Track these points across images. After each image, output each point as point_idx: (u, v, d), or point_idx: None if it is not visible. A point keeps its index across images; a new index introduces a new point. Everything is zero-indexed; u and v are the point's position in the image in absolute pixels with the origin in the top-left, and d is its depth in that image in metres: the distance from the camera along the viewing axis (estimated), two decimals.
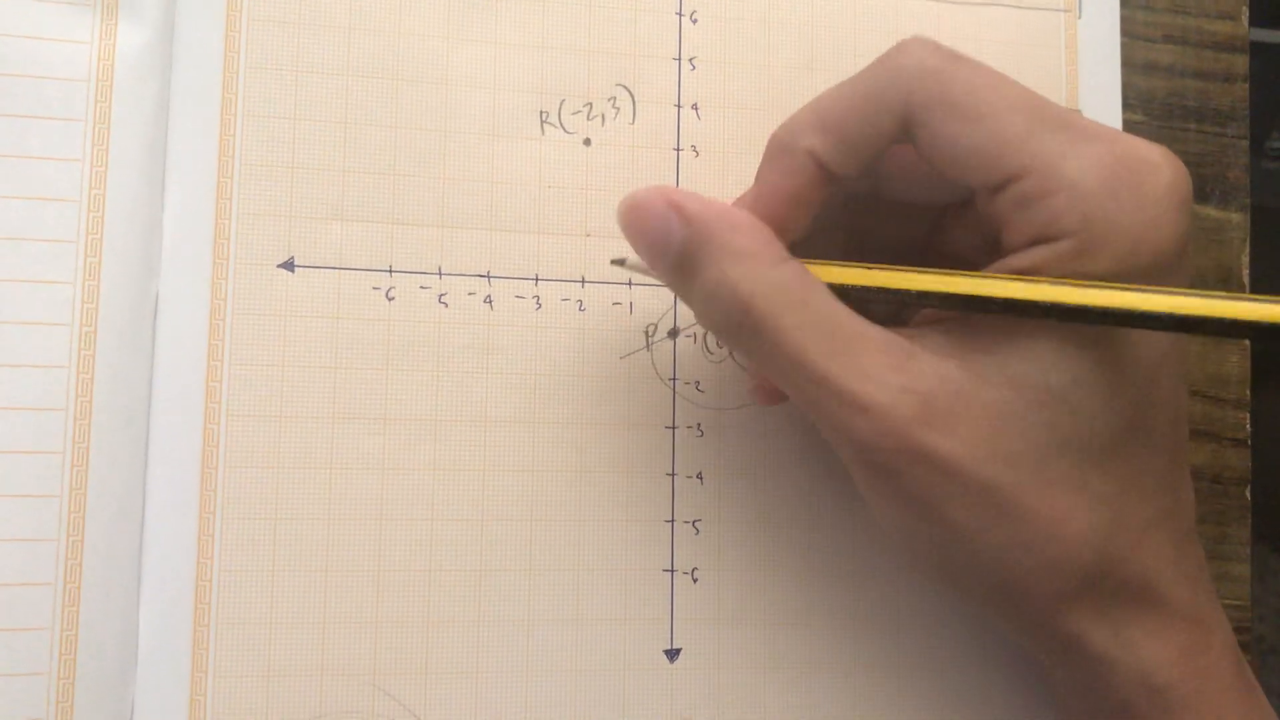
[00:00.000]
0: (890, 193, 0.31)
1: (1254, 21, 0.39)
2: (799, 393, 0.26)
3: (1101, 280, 0.24)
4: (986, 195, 0.26)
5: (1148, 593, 0.27)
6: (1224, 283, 0.37)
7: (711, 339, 0.33)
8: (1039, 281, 0.24)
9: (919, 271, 0.26)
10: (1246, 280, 0.37)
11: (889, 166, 0.30)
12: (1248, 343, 0.37)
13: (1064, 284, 0.24)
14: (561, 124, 0.33)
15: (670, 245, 0.27)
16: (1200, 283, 0.37)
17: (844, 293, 0.27)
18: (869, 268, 0.27)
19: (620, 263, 0.30)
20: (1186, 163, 0.37)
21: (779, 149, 0.28)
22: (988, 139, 0.25)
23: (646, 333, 0.33)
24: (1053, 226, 0.25)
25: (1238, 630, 0.35)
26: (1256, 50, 0.41)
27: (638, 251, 0.28)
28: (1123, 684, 0.27)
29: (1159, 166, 0.25)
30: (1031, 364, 0.25)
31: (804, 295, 0.26)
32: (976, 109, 0.25)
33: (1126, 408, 0.26)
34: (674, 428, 0.33)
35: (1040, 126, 0.25)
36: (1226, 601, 0.36)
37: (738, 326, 0.26)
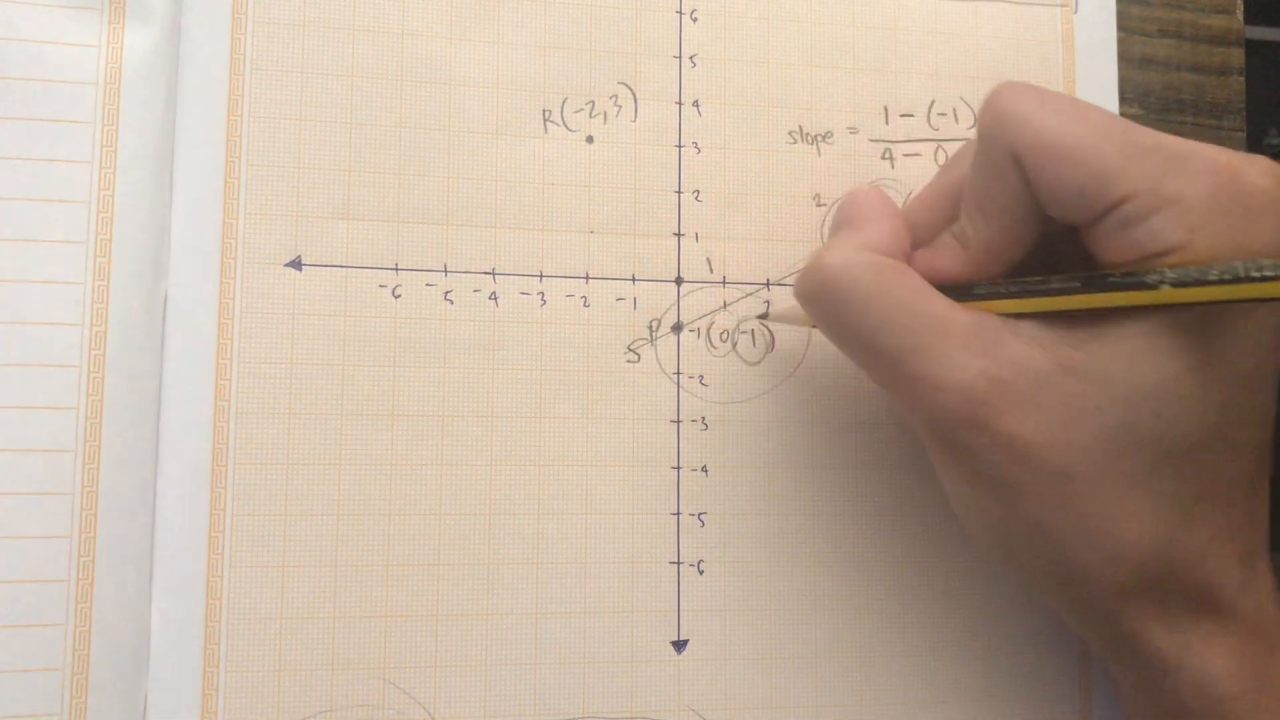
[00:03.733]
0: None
1: (1251, 19, 0.40)
2: (876, 369, 0.28)
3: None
4: (1088, 227, 0.26)
5: (1211, 602, 0.26)
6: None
7: (715, 333, 0.33)
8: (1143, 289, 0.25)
9: (1028, 293, 0.27)
10: None
11: None
12: None
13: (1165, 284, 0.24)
14: (564, 122, 0.33)
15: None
16: None
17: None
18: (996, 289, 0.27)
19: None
20: None
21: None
22: (1086, 177, 0.25)
23: (650, 327, 0.33)
24: (1157, 242, 0.25)
25: None
26: (1254, 48, 0.42)
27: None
28: (1181, 690, 0.27)
29: (1261, 178, 0.25)
30: (1120, 361, 0.25)
31: (893, 280, 0.27)
32: (1070, 150, 0.25)
33: (1212, 415, 0.25)
34: (679, 421, 0.33)
35: (1134, 152, 0.25)
36: None
37: (816, 297, 0.28)
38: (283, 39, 0.32)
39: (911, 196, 0.30)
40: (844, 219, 0.30)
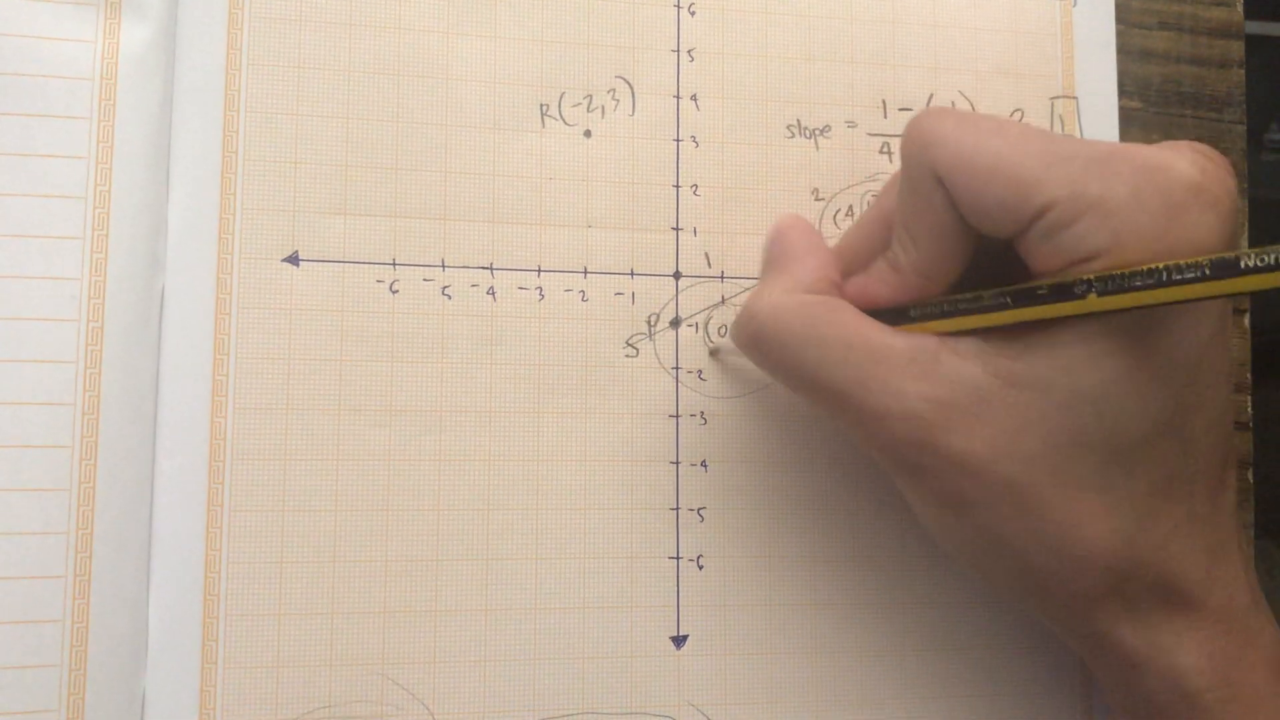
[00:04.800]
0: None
1: (1252, 14, 0.39)
2: (822, 406, 0.28)
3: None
4: (1018, 239, 0.26)
5: (1178, 596, 0.26)
6: None
7: (713, 328, 0.33)
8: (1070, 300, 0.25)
9: (961, 309, 0.27)
10: None
11: None
12: (1248, 326, 0.38)
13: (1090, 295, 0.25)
14: (562, 116, 0.33)
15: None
16: None
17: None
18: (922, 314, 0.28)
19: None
20: None
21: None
22: (1006, 189, 0.25)
23: (649, 322, 0.33)
24: (1082, 247, 0.25)
25: None
26: (1255, 43, 0.42)
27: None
28: (1154, 686, 0.27)
29: (1183, 170, 0.25)
30: (1059, 368, 0.25)
31: (823, 318, 0.27)
32: (989, 164, 0.25)
33: (1157, 410, 0.25)
34: (677, 416, 0.33)
35: (1055, 161, 0.25)
36: None
37: (752, 345, 0.29)
38: (279, 34, 0.32)
39: (846, 229, 0.31)
40: (770, 258, 0.30)
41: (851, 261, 0.30)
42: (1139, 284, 0.24)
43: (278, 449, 0.31)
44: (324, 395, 0.31)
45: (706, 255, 0.34)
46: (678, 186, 0.34)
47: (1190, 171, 0.25)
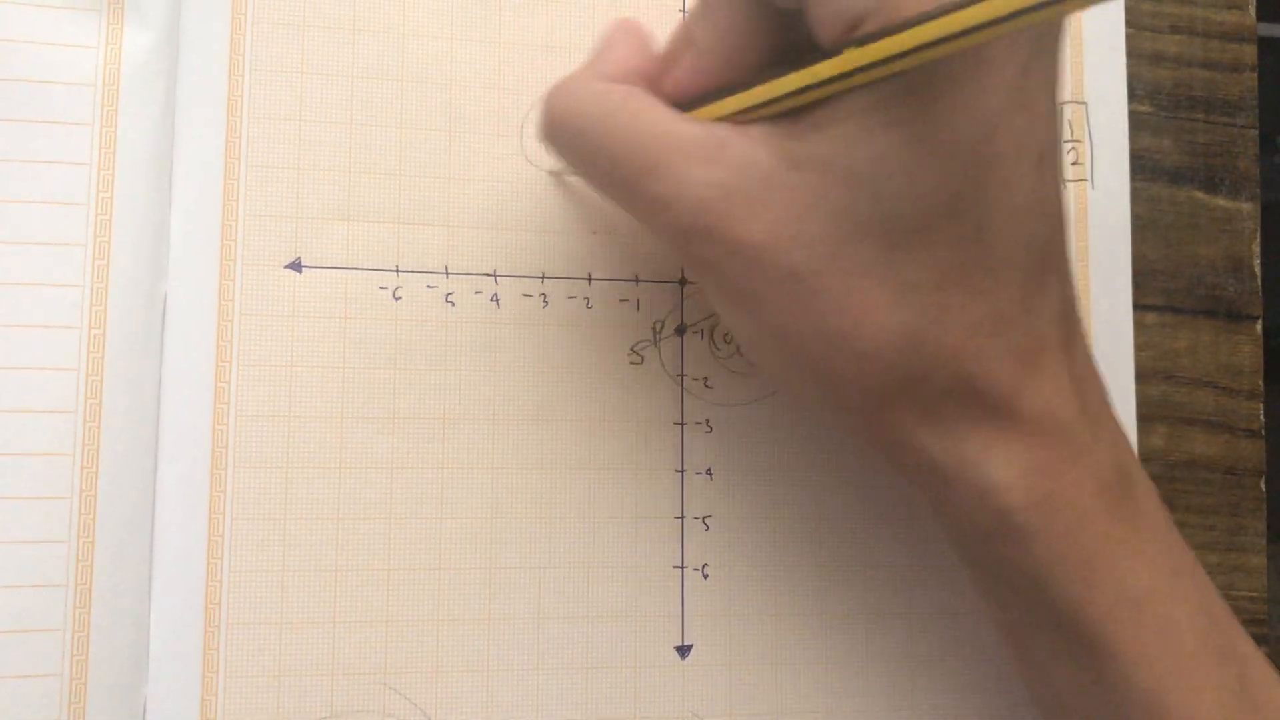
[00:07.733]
0: None
1: (1265, 17, 0.39)
2: (615, 198, 0.26)
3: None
4: (807, 13, 0.24)
5: (982, 402, 0.25)
6: (1234, 273, 0.37)
7: (719, 334, 0.33)
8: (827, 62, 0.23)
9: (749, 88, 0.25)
10: (1258, 270, 0.37)
11: None
12: (1260, 333, 0.37)
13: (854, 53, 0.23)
14: None
15: None
16: (1210, 271, 0.37)
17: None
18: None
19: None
20: (1195, 153, 0.37)
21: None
22: None
23: (654, 329, 0.33)
24: (853, 9, 0.22)
25: (1252, 624, 0.35)
26: (1268, 46, 0.41)
27: None
28: (968, 505, 0.25)
29: None
30: (837, 145, 0.23)
31: (619, 103, 0.26)
32: None
33: (938, 189, 0.23)
34: (683, 424, 0.33)
35: None
36: (1241, 594, 0.36)
37: (549, 134, 0.27)
38: (282, 39, 0.32)
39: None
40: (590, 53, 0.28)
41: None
42: (892, 30, 0.22)
43: (280, 456, 0.31)
44: (326, 402, 0.31)
45: None
46: None
47: None
